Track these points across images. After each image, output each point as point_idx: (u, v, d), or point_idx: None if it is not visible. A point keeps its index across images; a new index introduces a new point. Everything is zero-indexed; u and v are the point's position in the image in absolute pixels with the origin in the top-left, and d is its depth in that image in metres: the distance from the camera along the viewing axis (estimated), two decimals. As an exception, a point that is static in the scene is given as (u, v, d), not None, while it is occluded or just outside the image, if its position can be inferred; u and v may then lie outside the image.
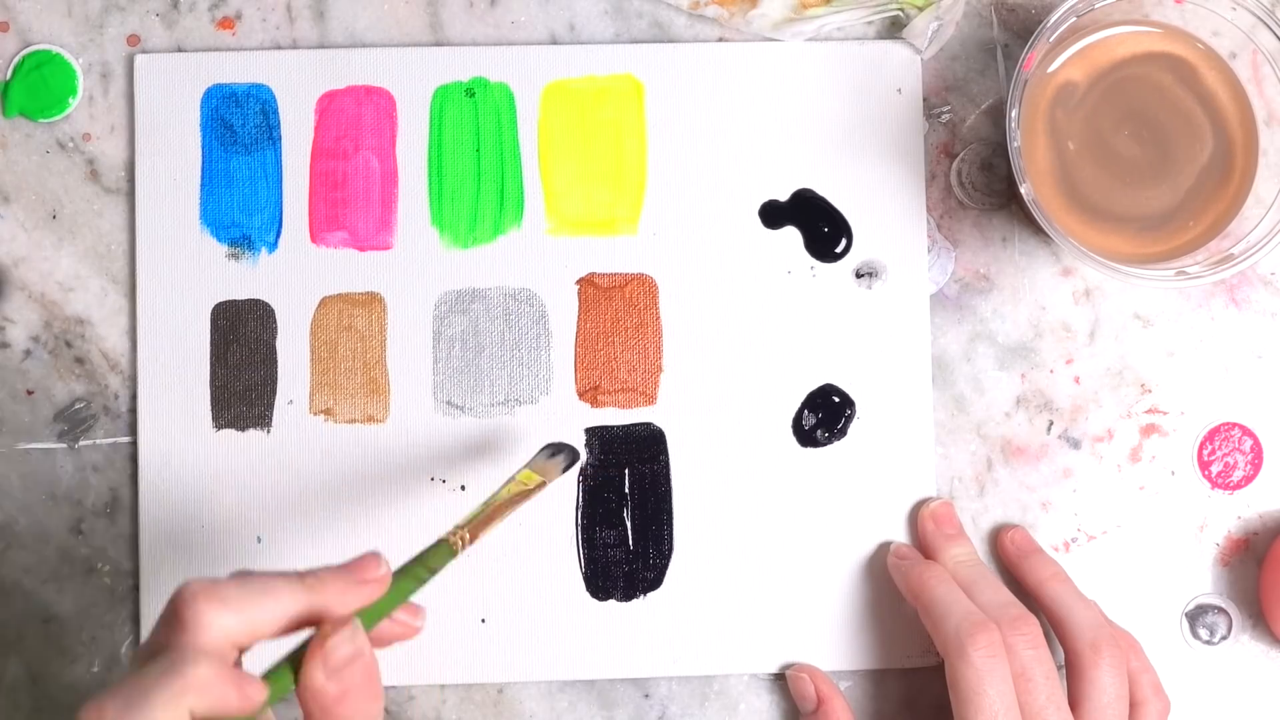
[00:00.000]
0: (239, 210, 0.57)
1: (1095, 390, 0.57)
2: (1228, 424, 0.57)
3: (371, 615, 0.44)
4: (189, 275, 0.57)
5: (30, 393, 0.58)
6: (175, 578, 0.56)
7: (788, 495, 0.57)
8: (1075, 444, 0.57)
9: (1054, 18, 0.53)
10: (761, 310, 0.57)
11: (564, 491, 0.57)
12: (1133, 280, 0.52)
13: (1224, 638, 0.57)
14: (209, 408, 0.57)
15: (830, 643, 0.57)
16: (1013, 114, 0.52)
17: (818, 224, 0.57)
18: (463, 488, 0.57)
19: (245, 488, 0.57)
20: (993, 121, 0.58)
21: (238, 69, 0.57)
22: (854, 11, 0.57)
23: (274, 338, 0.57)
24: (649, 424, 0.57)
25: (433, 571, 0.47)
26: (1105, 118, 0.55)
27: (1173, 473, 0.57)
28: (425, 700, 0.57)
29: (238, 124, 0.57)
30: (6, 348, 0.58)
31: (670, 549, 0.57)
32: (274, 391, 0.57)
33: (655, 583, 0.57)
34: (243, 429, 0.57)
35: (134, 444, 0.57)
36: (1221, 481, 0.57)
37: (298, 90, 0.57)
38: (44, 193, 0.58)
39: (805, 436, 0.57)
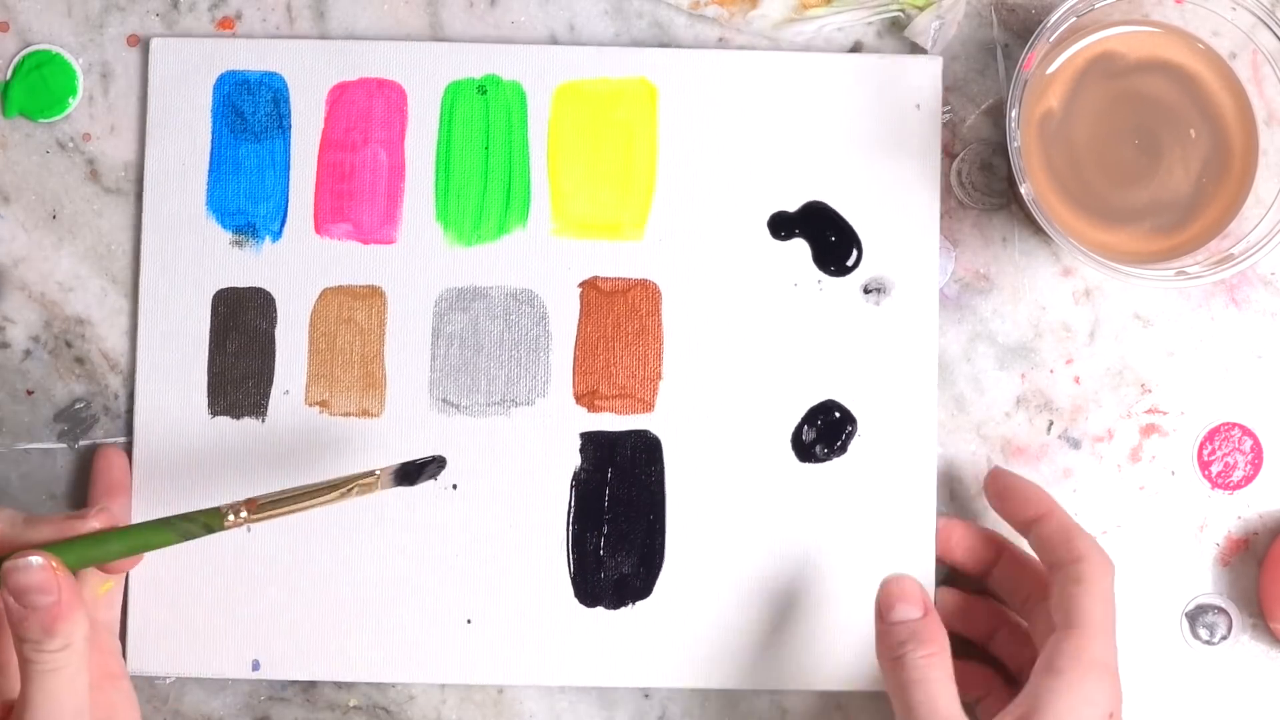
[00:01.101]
0: (245, 198, 0.57)
1: (1095, 390, 0.57)
2: (1228, 424, 0.57)
3: (90, 551, 0.49)
4: (193, 261, 0.57)
5: (30, 393, 0.58)
6: (165, 562, 0.55)
7: (784, 511, 0.56)
8: (1075, 444, 0.57)
9: (1054, 18, 0.53)
10: (766, 322, 0.57)
11: (556, 495, 0.56)
12: (1133, 280, 0.52)
13: (1224, 638, 0.57)
14: (205, 394, 0.57)
15: (819, 663, 0.56)
16: (1013, 114, 0.52)
17: (827, 236, 0.57)
18: (454, 486, 0.56)
19: (236, 475, 0.56)
20: (993, 121, 0.58)
21: (251, 57, 0.57)
22: (855, 12, 0.57)
23: (273, 327, 0.57)
24: (646, 431, 0.57)
25: (188, 536, 0.49)
26: (1105, 118, 0.55)
27: (1173, 473, 0.57)
28: (425, 700, 0.57)
29: (249, 111, 0.57)
30: (6, 348, 0.58)
31: (661, 559, 0.56)
32: (270, 381, 0.57)
33: (644, 592, 0.56)
34: (238, 417, 0.57)
35: (130, 443, 0.57)
36: (1221, 481, 0.57)
37: (310, 80, 0.57)
38: (44, 193, 0.58)
39: (804, 451, 0.56)
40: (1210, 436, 0.57)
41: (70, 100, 0.58)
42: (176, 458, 0.57)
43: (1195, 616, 0.57)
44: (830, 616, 0.56)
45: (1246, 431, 0.57)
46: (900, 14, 0.57)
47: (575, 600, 0.56)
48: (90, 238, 0.58)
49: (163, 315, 0.57)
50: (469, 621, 0.56)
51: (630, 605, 0.56)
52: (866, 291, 0.56)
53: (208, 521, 0.49)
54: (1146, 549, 0.57)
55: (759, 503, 0.56)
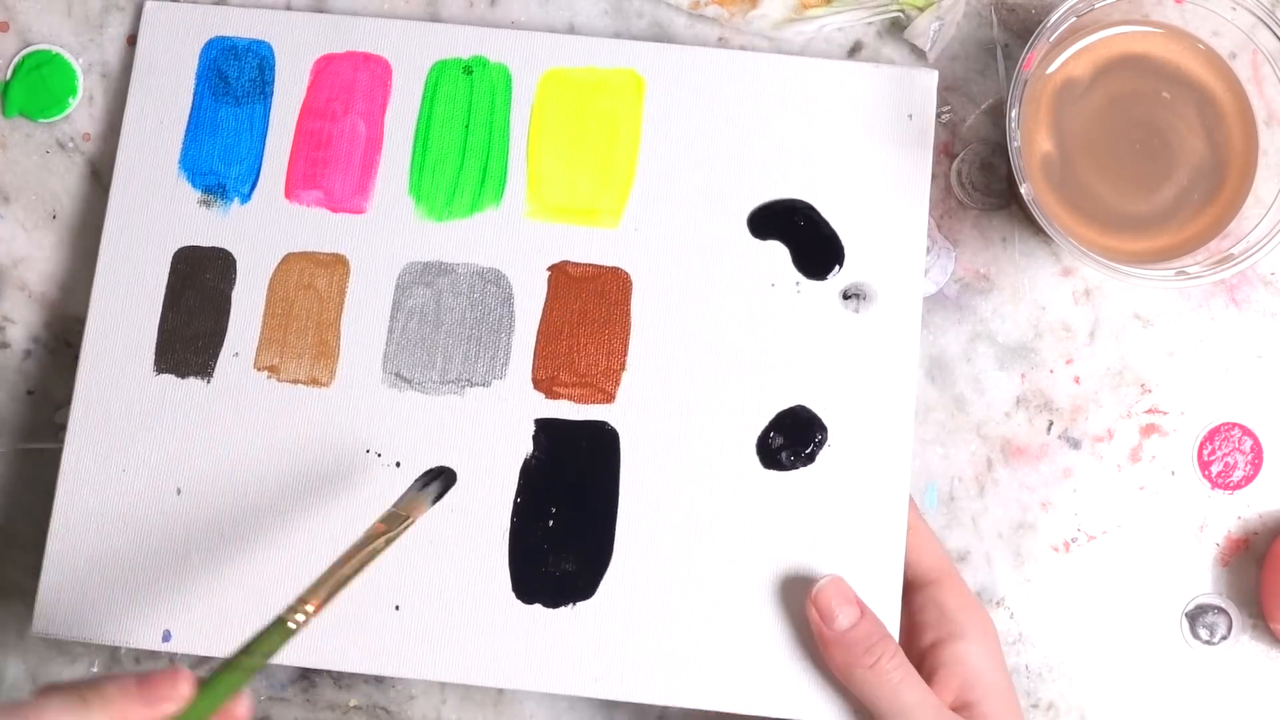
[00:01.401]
0: (218, 159, 0.57)
1: (1095, 390, 0.57)
2: (1228, 424, 0.57)
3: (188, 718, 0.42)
4: (158, 217, 0.56)
5: (30, 393, 0.58)
6: (88, 519, 0.54)
7: (742, 518, 0.54)
8: (1075, 444, 0.57)
9: (1054, 18, 0.53)
10: (738, 320, 0.55)
11: (503, 482, 0.54)
12: (1133, 280, 0.52)
13: (1224, 638, 0.57)
14: (153, 350, 0.56)
15: (763, 685, 0.53)
16: (1013, 114, 0.52)
17: (808, 237, 0.55)
18: (398, 464, 0.54)
19: (174, 436, 0.55)
20: (993, 121, 0.58)
21: (242, 24, 0.57)
22: (854, 12, 0.57)
23: (231, 288, 0.56)
24: (604, 423, 0.55)
25: (267, 656, 0.45)
26: (1105, 118, 0.55)
27: (1173, 473, 0.57)
28: (425, 700, 0.57)
29: (233, 76, 0.57)
30: (6, 348, 0.58)
31: (608, 560, 0.54)
32: (221, 342, 0.56)
33: (586, 593, 0.53)
34: (183, 375, 0.55)
35: (70, 394, 0.56)
36: (1221, 481, 0.57)
37: (298, 49, 0.57)
38: (44, 193, 0.58)
39: (769, 458, 0.54)
40: (1210, 436, 0.57)
41: (70, 100, 0.58)
42: (113, 412, 0.55)
43: (1195, 616, 0.57)
44: (781, 638, 0.53)
45: (1246, 431, 0.57)
46: (900, 14, 0.57)
47: (512, 595, 0.54)
48: (90, 238, 0.58)
49: (121, 269, 0.56)
50: (397, 608, 0.54)
51: (570, 605, 0.53)
52: (846, 297, 0.55)
53: (269, 650, 0.45)
54: (1146, 549, 0.57)
55: (717, 509, 0.54)
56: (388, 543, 0.49)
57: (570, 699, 0.57)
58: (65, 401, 0.58)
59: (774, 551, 0.54)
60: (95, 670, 0.57)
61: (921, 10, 0.57)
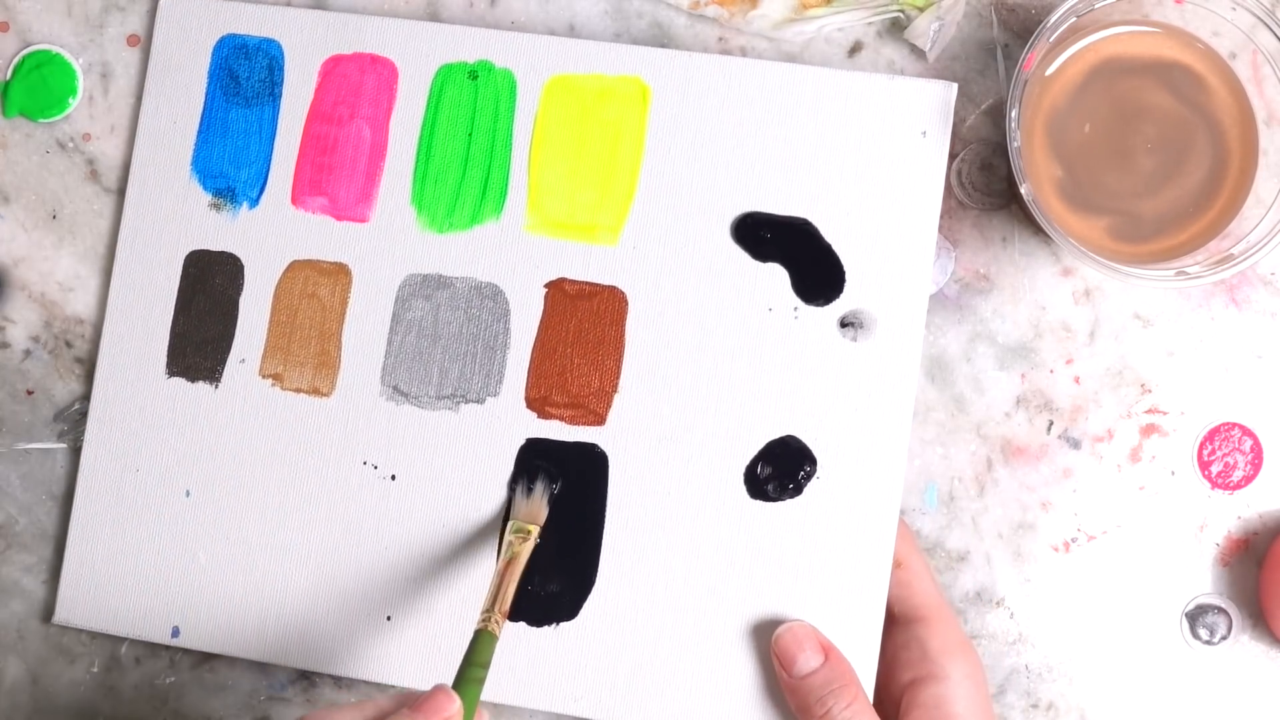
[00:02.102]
0: (229, 161, 0.57)
1: (1095, 390, 0.57)
2: (1228, 424, 0.57)
3: None
4: (171, 219, 0.57)
5: (30, 393, 0.58)
6: (105, 516, 0.56)
7: (727, 548, 0.53)
8: (1075, 444, 0.57)
9: (1054, 18, 0.53)
10: (733, 345, 0.54)
11: (493, 499, 0.55)
12: (1133, 280, 0.52)
13: (1224, 638, 0.57)
14: (165, 353, 0.56)
15: (737, 715, 0.53)
16: (1013, 114, 0.52)
17: (809, 260, 0.54)
18: (393, 477, 0.55)
19: (183, 439, 0.56)
20: (993, 121, 0.58)
21: (253, 22, 0.57)
22: (855, 12, 0.57)
23: (239, 294, 0.56)
24: (593, 445, 0.55)
25: (486, 666, 0.48)
26: (1105, 118, 0.55)
27: (1173, 473, 0.57)
28: (425, 700, 0.57)
29: (243, 75, 0.57)
30: (6, 348, 0.58)
31: (592, 582, 0.54)
32: (229, 348, 0.56)
33: (570, 613, 0.54)
34: (193, 379, 0.56)
35: (88, 396, 0.57)
36: (1221, 481, 0.57)
37: (306, 49, 0.57)
38: (44, 193, 0.58)
39: (757, 487, 0.54)
40: (1210, 436, 0.57)
41: (70, 100, 0.58)
42: (129, 414, 0.56)
43: (1195, 616, 0.57)
44: (758, 670, 0.53)
45: (1246, 431, 0.57)
46: (900, 14, 0.57)
47: None
48: (90, 238, 0.58)
49: (136, 270, 0.57)
50: (389, 619, 0.55)
51: (553, 625, 0.54)
52: (844, 325, 0.54)
53: (486, 658, 0.48)
54: (1146, 549, 0.57)
55: (702, 537, 0.54)
56: (530, 551, 0.52)
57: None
58: (65, 401, 0.58)
59: (756, 582, 0.53)
60: (95, 670, 0.58)
61: (921, 10, 0.57)
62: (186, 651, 0.57)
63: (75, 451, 0.57)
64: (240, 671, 0.57)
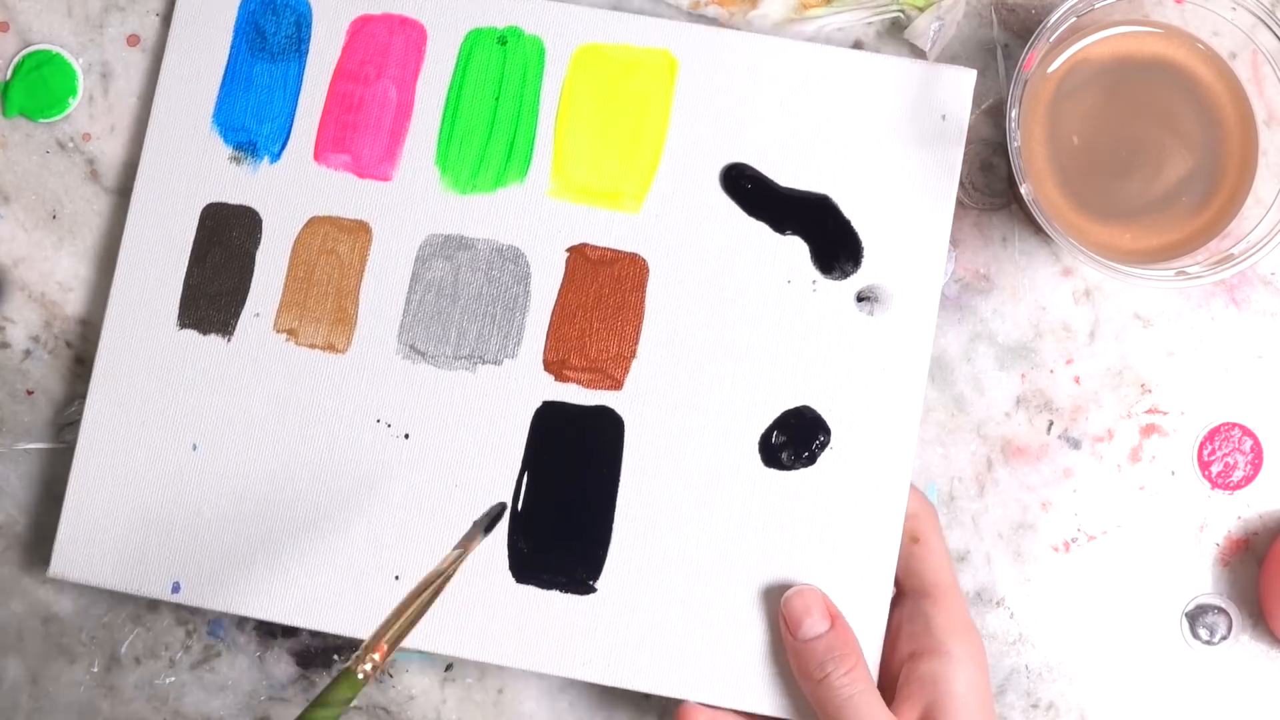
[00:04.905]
0: (251, 115, 0.57)
1: (1095, 390, 0.57)
2: (1228, 424, 0.57)
3: None
4: (189, 171, 0.57)
5: (30, 393, 0.58)
6: (107, 469, 0.55)
7: (740, 515, 0.54)
8: (1075, 444, 0.57)
9: (1054, 18, 0.53)
10: (751, 315, 0.55)
11: (508, 461, 0.55)
12: (1133, 280, 0.52)
13: (1224, 638, 0.57)
14: (177, 305, 0.56)
15: (747, 681, 0.53)
16: (1013, 114, 0.52)
17: (829, 235, 0.55)
18: (406, 435, 0.55)
19: (192, 392, 0.56)
20: (993, 121, 0.58)
21: None
22: (854, 12, 0.57)
23: (256, 248, 0.56)
24: (610, 410, 0.55)
25: (342, 706, 0.45)
26: (1105, 118, 0.55)
27: (1173, 473, 0.57)
28: (425, 700, 0.57)
29: (270, 31, 0.57)
30: (6, 348, 0.58)
31: (606, 546, 0.54)
32: (243, 301, 0.56)
33: (582, 577, 0.54)
34: (205, 332, 0.56)
35: (96, 344, 0.57)
36: (1221, 481, 0.57)
37: (335, 8, 0.57)
38: (44, 193, 0.58)
39: (771, 455, 0.54)
40: (1210, 436, 0.57)
41: (70, 100, 0.58)
42: (137, 365, 0.56)
43: (1195, 616, 0.57)
44: (768, 635, 0.53)
45: (1246, 431, 0.57)
46: (900, 14, 0.57)
47: (508, 574, 0.54)
48: (90, 238, 0.58)
49: (150, 220, 0.56)
50: (397, 578, 0.54)
51: (564, 589, 0.54)
52: (860, 300, 0.55)
53: (346, 691, 0.45)
54: (1146, 549, 0.57)
55: (715, 503, 0.54)
56: (445, 580, 0.49)
57: (570, 697, 0.57)
58: (65, 401, 0.58)
59: (768, 549, 0.54)
60: (95, 670, 0.58)
61: (921, 10, 0.57)
62: (187, 651, 0.57)
63: (75, 451, 0.57)
64: (240, 671, 0.57)
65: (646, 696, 0.57)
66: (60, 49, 0.58)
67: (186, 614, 0.58)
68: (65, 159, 0.58)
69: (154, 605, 0.58)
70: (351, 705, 0.45)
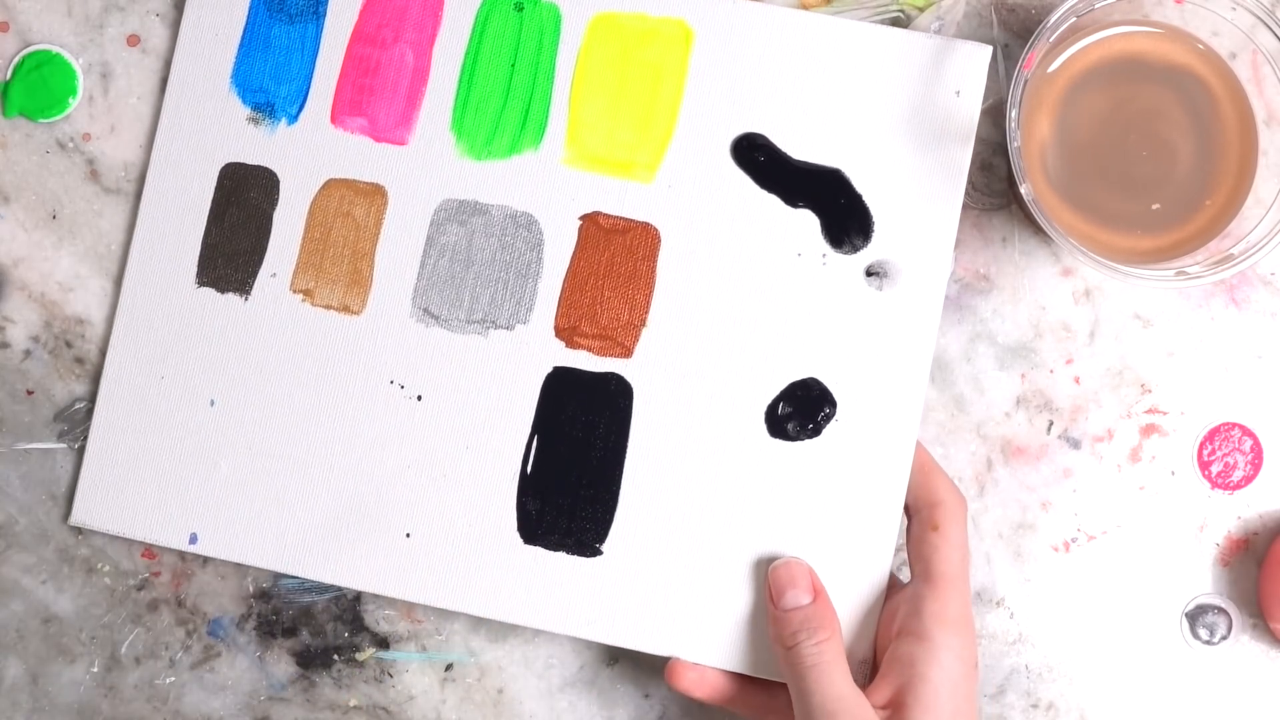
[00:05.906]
0: (269, 77, 0.57)
1: (1095, 390, 0.57)
2: (1228, 424, 0.57)
3: None
4: (207, 131, 0.57)
5: (30, 393, 0.58)
6: (127, 422, 0.56)
7: (745, 484, 0.55)
8: (1075, 444, 0.57)
9: (1054, 18, 0.53)
10: (762, 287, 0.55)
11: (518, 425, 0.55)
12: (1133, 280, 0.52)
13: (1224, 638, 0.57)
14: (195, 263, 0.57)
15: (746, 644, 0.54)
16: (1013, 114, 0.52)
17: (840, 208, 0.55)
18: (419, 397, 0.56)
19: (210, 349, 0.56)
20: (993, 121, 0.58)
21: None
22: (854, 12, 0.57)
23: (273, 208, 0.57)
24: (620, 377, 0.56)
25: None
26: (1105, 118, 0.55)
27: (1173, 473, 0.57)
28: (425, 700, 0.57)
29: None
30: (6, 348, 0.58)
31: (612, 511, 0.55)
32: (261, 261, 0.57)
33: (589, 540, 0.55)
34: (222, 290, 0.57)
35: (115, 304, 0.57)
36: (1221, 481, 0.57)
37: None
38: (44, 193, 0.58)
39: (777, 426, 0.55)
40: (1210, 436, 0.57)
41: (70, 100, 0.58)
42: (155, 321, 0.57)
43: (1195, 616, 0.57)
44: (762, 600, 0.54)
45: (1246, 431, 0.57)
46: (900, 14, 0.57)
47: (516, 535, 0.55)
48: (90, 238, 0.58)
49: (169, 179, 0.57)
50: (408, 535, 0.55)
51: (571, 551, 0.55)
52: (869, 274, 0.55)
53: None
54: (1146, 549, 0.57)
55: (721, 471, 0.55)
56: None
57: (570, 697, 0.57)
58: (65, 402, 0.58)
59: (770, 519, 0.55)
60: (95, 670, 0.58)
61: (921, 10, 0.57)
62: (186, 651, 0.57)
63: (75, 451, 0.57)
64: (240, 671, 0.57)
65: (646, 695, 0.57)
66: (60, 49, 0.58)
67: (186, 614, 0.58)
68: (65, 159, 0.58)
69: (154, 605, 0.58)
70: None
